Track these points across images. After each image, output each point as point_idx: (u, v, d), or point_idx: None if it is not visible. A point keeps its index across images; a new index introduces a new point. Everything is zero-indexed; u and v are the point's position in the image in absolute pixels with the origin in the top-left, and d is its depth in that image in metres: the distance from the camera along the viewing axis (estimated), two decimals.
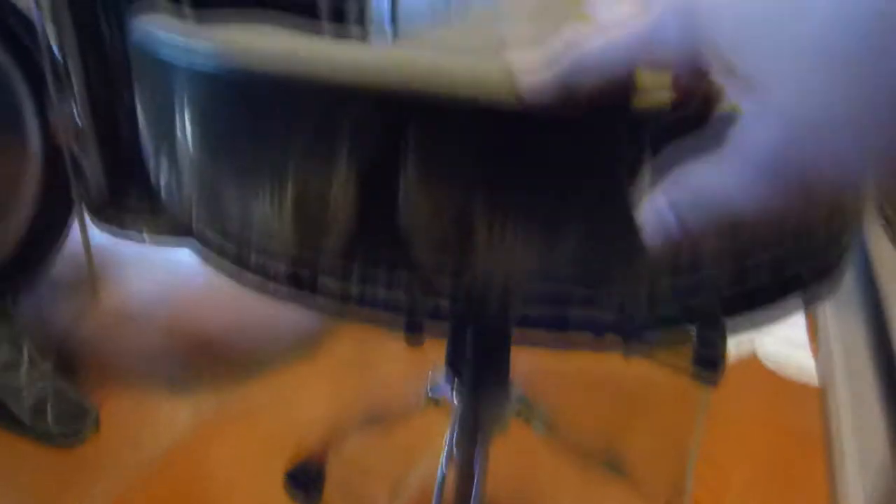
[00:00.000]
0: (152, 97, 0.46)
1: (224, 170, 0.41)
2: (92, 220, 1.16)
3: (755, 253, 0.40)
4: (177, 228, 0.50)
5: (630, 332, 0.41)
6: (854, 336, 1.40)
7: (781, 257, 0.41)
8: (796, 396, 1.30)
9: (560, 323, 0.39)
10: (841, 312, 1.46)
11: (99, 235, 1.23)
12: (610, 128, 0.34)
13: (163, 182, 0.48)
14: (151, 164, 0.49)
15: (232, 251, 0.44)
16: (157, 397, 1.24)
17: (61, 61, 1.12)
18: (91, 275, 1.28)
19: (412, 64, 0.35)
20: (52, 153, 1.27)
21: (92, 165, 1.09)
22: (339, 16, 1.09)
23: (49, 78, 1.13)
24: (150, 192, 0.51)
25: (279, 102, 0.37)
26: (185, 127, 0.42)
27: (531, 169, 0.35)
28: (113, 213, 1.11)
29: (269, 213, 0.39)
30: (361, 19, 1.13)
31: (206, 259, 0.47)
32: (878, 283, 1.26)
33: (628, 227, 0.35)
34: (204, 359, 1.35)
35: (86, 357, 1.33)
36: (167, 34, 0.42)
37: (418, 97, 0.34)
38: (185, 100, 0.41)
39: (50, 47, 1.12)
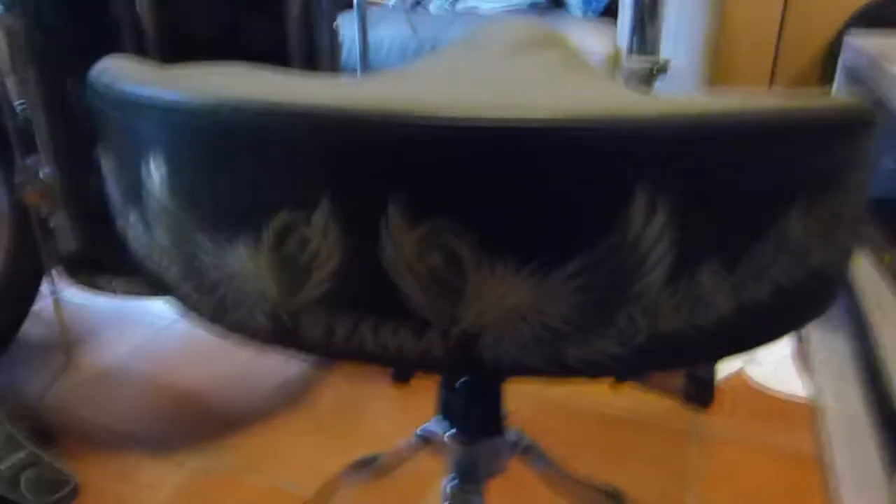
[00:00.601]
0: (118, 148, 0.44)
1: (197, 218, 0.39)
2: (64, 279, 1.13)
3: (759, 302, 0.38)
4: (151, 286, 0.47)
5: (626, 372, 0.39)
6: (839, 347, 1.40)
7: (786, 303, 0.40)
8: (787, 414, 1.30)
9: (556, 367, 0.37)
10: (825, 327, 1.47)
11: (70, 290, 1.20)
12: (607, 158, 0.32)
13: (132, 236, 0.46)
14: (120, 218, 0.47)
15: (208, 307, 0.42)
16: (139, 459, 1.19)
17: (25, 117, 1.09)
18: (63, 335, 1.24)
19: (393, 95, 0.33)
20: (21, 213, 1.24)
21: (60, 224, 1.06)
22: (311, 65, 1.09)
23: (13, 135, 1.10)
24: (122, 250, 0.49)
25: (253, 142, 0.35)
26: (153, 175, 0.40)
27: (523, 204, 0.33)
28: (85, 273, 1.08)
29: (246, 262, 0.37)
30: (334, 67, 1.13)
31: (183, 314, 0.46)
32: (860, 295, 1.27)
33: (626, 263, 0.34)
34: (186, 415, 1.31)
35: (62, 421, 1.28)
36: (132, 82, 0.40)
37: (400, 129, 0.32)
38: (153, 146, 0.39)
39: (11, 104, 1.10)
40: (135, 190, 0.42)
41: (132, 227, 0.45)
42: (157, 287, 0.46)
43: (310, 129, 0.33)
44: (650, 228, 0.33)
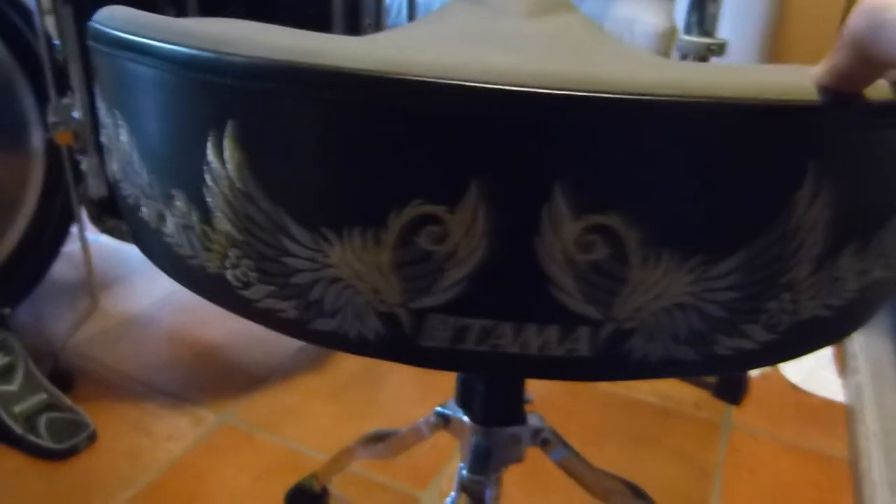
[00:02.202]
0: (162, 118, 0.37)
1: (291, 209, 0.33)
2: (91, 224, 1.12)
3: (876, 280, 0.37)
4: (194, 286, 0.41)
5: (769, 359, 0.37)
6: (881, 353, 1.34)
7: (891, 279, 0.38)
8: (821, 416, 1.25)
9: (705, 359, 0.35)
10: (867, 327, 1.41)
11: (101, 236, 1.19)
12: (786, 140, 0.30)
13: (174, 225, 0.38)
14: (150, 203, 0.40)
15: (292, 312, 0.35)
16: (158, 410, 1.19)
17: (61, 57, 1.07)
18: (91, 279, 1.24)
19: (562, 68, 0.29)
20: (54, 152, 1.23)
21: (91, 168, 1.05)
22: (354, 21, 1.05)
23: (48, 74, 1.08)
24: (148, 239, 0.43)
25: (385, 118, 0.30)
26: (226, 155, 0.33)
27: (698, 192, 0.31)
28: (111, 221, 1.07)
29: (359, 260, 0.32)
30: (378, 24, 1.09)
31: (247, 317, 0.38)
32: None
33: (786, 250, 0.32)
34: (209, 369, 1.31)
35: (83, 365, 1.28)
36: (199, 36, 0.33)
37: (576, 107, 0.28)
38: (229, 118, 0.33)
39: (50, 41, 1.08)
40: (188, 171, 0.35)
41: (175, 217, 0.38)
42: (205, 288, 0.39)
43: (464, 107, 0.28)
44: (811, 213, 0.31)
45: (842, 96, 0.29)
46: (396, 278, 0.32)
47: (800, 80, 0.30)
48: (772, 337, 0.34)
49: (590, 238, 0.30)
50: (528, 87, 0.27)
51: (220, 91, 0.32)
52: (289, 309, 0.35)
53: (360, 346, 0.34)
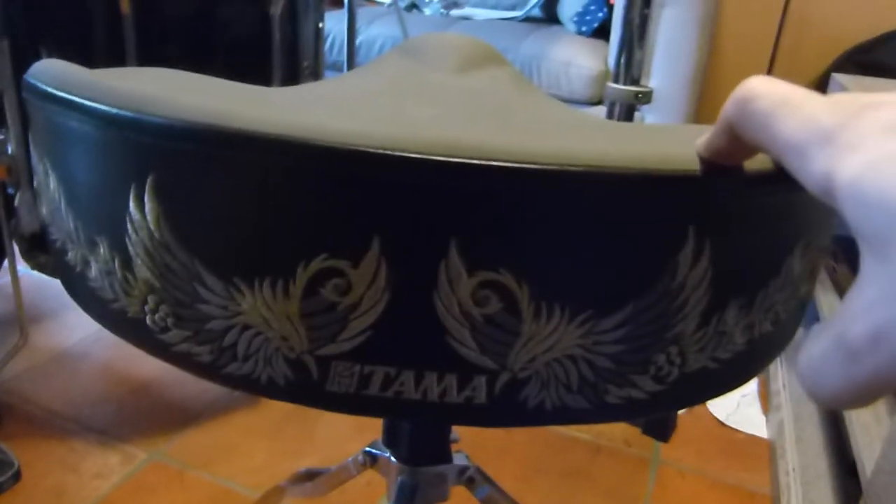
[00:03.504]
0: (87, 168, 0.38)
1: (205, 259, 0.34)
2: (23, 259, 1.10)
3: (764, 333, 0.39)
4: (117, 331, 0.41)
5: (659, 408, 0.39)
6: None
7: (781, 331, 0.41)
8: (746, 452, 1.29)
9: (597, 408, 0.36)
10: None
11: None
12: (665, 206, 0.33)
13: (98, 271, 0.39)
14: (74, 248, 0.41)
15: (207, 356, 0.37)
16: (87, 448, 1.17)
17: None
18: (20, 313, 1.21)
19: (456, 136, 0.31)
20: None
21: (24, 204, 1.04)
22: (293, 63, 1.07)
23: None
24: (76, 281, 0.43)
25: (293, 179, 0.32)
26: (146, 206, 0.34)
27: (585, 252, 0.33)
28: (43, 257, 1.06)
29: (268, 309, 0.34)
30: (316, 67, 1.11)
31: (166, 360, 0.39)
32: None
33: (670, 307, 0.34)
34: (141, 406, 1.29)
35: (11, 402, 1.25)
36: (128, 96, 0.34)
37: (465, 173, 0.30)
38: (150, 172, 0.34)
39: None
40: (110, 220, 0.37)
41: (98, 262, 0.39)
42: (126, 331, 0.40)
43: (367, 171, 0.31)
44: (694, 273, 0.34)
45: (719, 168, 0.32)
46: (303, 327, 0.34)
47: (683, 150, 0.32)
48: (660, 387, 0.36)
49: (484, 293, 0.32)
50: (424, 154, 0.30)
51: (140, 148, 0.34)
52: (203, 353, 0.36)
53: (272, 391, 0.36)
